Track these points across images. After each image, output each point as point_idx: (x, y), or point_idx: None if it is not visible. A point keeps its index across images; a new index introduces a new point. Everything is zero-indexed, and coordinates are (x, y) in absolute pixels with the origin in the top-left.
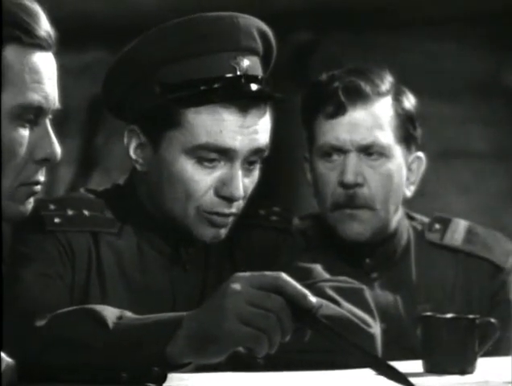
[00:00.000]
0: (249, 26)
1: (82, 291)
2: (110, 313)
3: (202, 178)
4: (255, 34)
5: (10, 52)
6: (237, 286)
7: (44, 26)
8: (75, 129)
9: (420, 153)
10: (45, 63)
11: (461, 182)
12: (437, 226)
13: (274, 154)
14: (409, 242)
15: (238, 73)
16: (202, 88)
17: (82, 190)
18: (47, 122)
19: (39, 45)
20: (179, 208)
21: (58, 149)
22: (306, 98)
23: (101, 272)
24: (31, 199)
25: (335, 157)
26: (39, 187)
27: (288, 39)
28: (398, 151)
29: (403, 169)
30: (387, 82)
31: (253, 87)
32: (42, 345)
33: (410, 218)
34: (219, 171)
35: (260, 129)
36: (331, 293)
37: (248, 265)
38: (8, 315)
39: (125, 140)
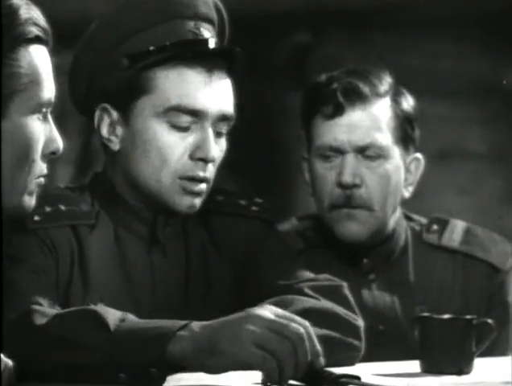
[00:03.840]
0: None
1: (65, 286)
2: (112, 315)
3: (176, 143)
4: (211, 4)
5: (31, 51)
6: (264, 313)
7: (44, 20)
8: (73, 129)
9: (418, 155)
10: (48, 58)
11: (459, 183)
12: (435, 227)
13: (273, 154)
14: (407, 243)
15: (199, 37)
16: (168, 51)
17: (61, 186)
18: (50, 116)
19: (46, 41)
20: (155, 178)
21: (61, 142)
22: (305, 99)
23: (83, 266)
24: (36, 193)
25: (333, 157)
26: (43, 180)
27: (287, 39)
28: (396, 152)
29: (401, 170)
30: (386, 83)
31: (213, 44)
32: (42, 344)
33: (408, 219)
34: (192, 136)
35: (225, 92)
36: (310, 292)
37: (230, 252)
38: (6, 316)
39: (96, 121)
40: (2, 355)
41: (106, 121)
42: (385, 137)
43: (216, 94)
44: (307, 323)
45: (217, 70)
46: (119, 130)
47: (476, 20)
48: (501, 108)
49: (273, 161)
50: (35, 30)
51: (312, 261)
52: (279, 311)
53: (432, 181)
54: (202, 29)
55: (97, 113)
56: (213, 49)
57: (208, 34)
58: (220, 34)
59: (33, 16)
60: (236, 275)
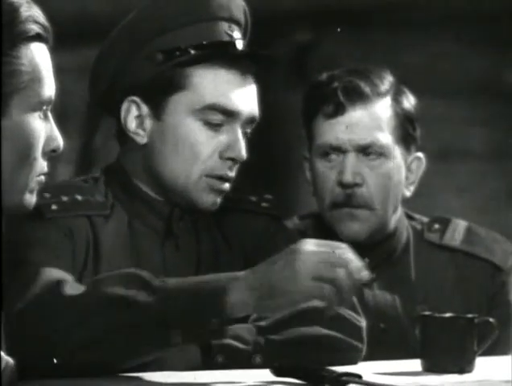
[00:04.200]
0: (239, 1)
1: (79, 275)
2: (151, 276)
3: (208, 141)
4: (241, 8)
5: (32, 49)
6: (309, 247)
7: (45, 20)
8: (73, 129)
9: (420, 154)
10: (48, 56)
11: (459, 183)
12: (436, 226)
13: (274, 153)
14: (408, 242)
15: (234, 40)
16: (207, 51)
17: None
18: (50, 115)
19: (46, 39)
20: (184, 174)
21: (61, 140)
22: (306, 98)
23: (96, 255)
24: (36, 191)
25: (334, 156)
26: (44, 178)
27: (288, 38)
28: (397, 151)
29: (402, 169)
30: (387, 82)
31: (245, 47)
32: (75, 315)
33: (410, 218)
34: (223, 135)
35: (254, 94)
36: None
37: (241, 248)
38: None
39: (123, 113)
40: (3, 353)
41: (134, 113)
42: (385, 137)
43: (247, 96)
44: (343, 245)
45: (248, 72)
46: (148, 124)
47: (476, 20)
48: (501, 108)
49: (274, 160)
50: (35, 28)
51: None
52: (318, 241)
53: (432, 181)
54: (235, 31)
55: (125, 106)
56: (251, 52)
57: (239, 37)
58: (243, 38)
59: (34, 14)
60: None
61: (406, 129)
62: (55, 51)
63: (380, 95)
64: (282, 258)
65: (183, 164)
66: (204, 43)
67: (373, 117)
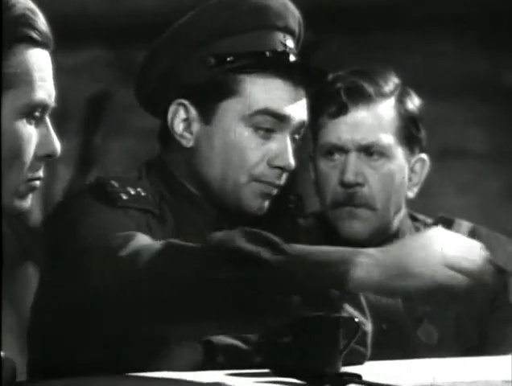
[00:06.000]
0: (294, 11)
1: None
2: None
3: (257, 148)
4: (297, 19)
5: (21, 51)
6: (445, 235)
7: (45, 24)
8: (73, 129)
9: (424, 155)
10: (47, 62)
11: (460, 182)
12: (439, 227)
13: None
14: None
15: (287, 50)
16: (259, 58)
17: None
18: (48, 119)
19: (44, 43)
20: (232, 179)
21: (58, 145)
22: (310, 98)
23: None
24: (31, 195)
25: (336, 156)
26: (38, 183)
27: None
28: (399, 152)
29: (405, 170)
30: (391, 83)
31: (297, 58)
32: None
33: (414, 219)
34: (272, 142)
35: (304, 104)
36: None
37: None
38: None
39: (170, 115)
40: (3, 353)
41: (182, 116)
42: (388, 137)
43: (297, 103)
44: (479, 244)
45: (299, 82)
46: (195, 127)
47: (476, 20)
48: (502, 108)
49: None
50: (26, 31)
51: None
52: (454, 233)
53: (432, 180)
54: (288, 41)
55: (172, 108)
56: (304, 64)
57: (292, 47)
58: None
59: (25, 15)
60: None
61: (410, 130)
62: (55, 51)
63: (384, 96)
64: (416, 240)
65: (231, 169)
66: (259, 51)
67: (376, 118)
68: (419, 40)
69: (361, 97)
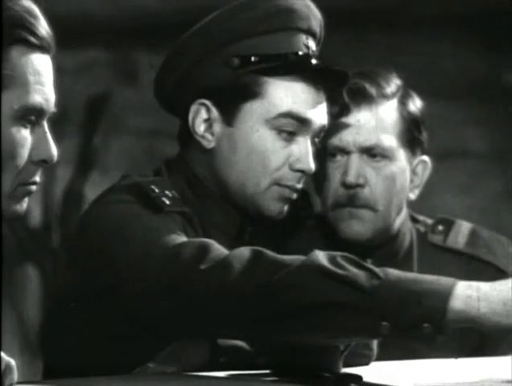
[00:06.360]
0: (317, 13)
1: None
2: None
3: (280, 151)
4: (319, 21)
5: (16, 53)
6: None
7: (46, 28)
8: (73, 129)
9: (425, 157)
10: (46, 66)
11: (460, 183)
12: (440, 228)
13: None
14: (411, 244)
15: (310, 52)
16: (283, 60)
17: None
18: (45, 124)
19: (42, 47)
20: (253, 181)
21: (55, 151)
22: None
23: None
24: (26, 199)
25: (338, 157)
26: (34, 187)
27: None
28: (401, 154)
29: (407, 172)
30: (393, 85)
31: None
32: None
33: (414, 220)
34: (294, 145)
35: (325, 107)
36: None
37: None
38: None
39: (191, 116)
40: (3, 354)
41: (203, 117)
42: (390, 139)
43: (319, 106)
44: None
45: (320, 85)
46: (217, 128)
47: (476, 20)
48: (502, 108)
49: None
50: (22, 33)
51: None
52: None
53: (432, 181)
54: (311, 43)
55: (194, 108)
56: (327, 67)
57: (314, 49)
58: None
59: (22, 18)
60: None
61: (412, 132)
62: (53, 53)
63: (386, 97)
64: (505, 284)
65: (252, 172)
66: (283, 53)
67: (378, 119)
68: (419, 40)
69: (364, 99)
